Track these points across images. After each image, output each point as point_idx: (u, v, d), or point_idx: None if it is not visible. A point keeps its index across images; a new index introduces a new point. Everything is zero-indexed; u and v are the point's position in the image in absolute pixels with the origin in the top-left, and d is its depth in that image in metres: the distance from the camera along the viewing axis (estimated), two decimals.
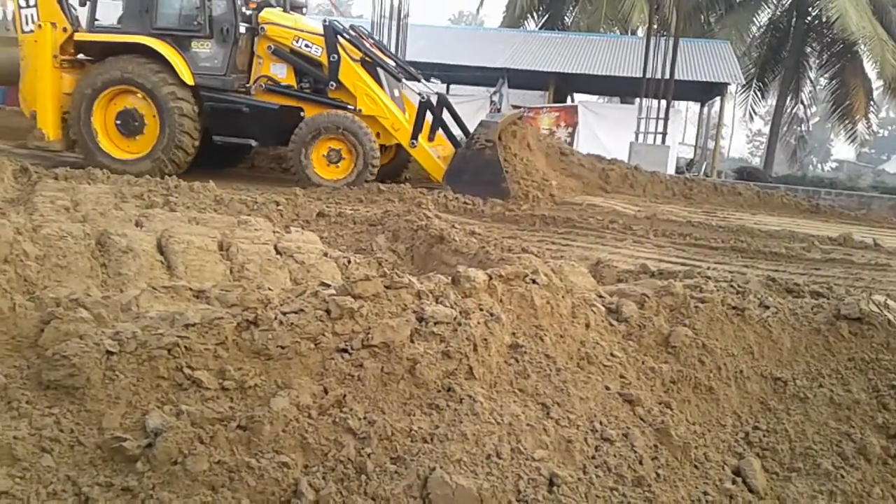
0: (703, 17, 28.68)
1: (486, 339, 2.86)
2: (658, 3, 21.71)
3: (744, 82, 26.65)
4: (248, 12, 11.04)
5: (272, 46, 11.04)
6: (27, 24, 10.69)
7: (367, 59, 11.12)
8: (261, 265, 4.97)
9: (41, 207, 6.18)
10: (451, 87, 23.76)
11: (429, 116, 11.11)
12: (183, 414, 2.44)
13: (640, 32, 26.60)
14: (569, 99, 27.19)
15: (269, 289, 3.78)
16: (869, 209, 15.88)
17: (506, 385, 2.82)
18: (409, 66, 12.09)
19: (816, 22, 27.77)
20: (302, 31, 11.20)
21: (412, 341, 2.78)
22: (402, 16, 19.63)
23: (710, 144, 26.96)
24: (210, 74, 10.77)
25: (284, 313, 2.81)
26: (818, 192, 18.58)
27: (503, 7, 31.75)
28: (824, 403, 3.12)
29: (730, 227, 9.21)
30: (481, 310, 2.97)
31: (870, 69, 26.84)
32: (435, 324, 2.83)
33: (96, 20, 11.09)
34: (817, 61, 29.43)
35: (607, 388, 2.95)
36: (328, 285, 3.15)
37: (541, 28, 30.70)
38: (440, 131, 11.31)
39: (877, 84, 27.99)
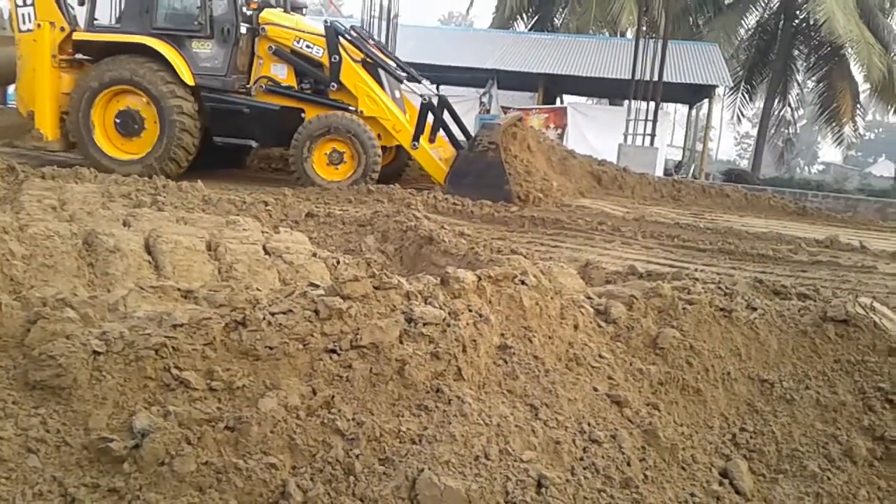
0: (691, 19, 28.82)
1: (474, 341, 2.86)
2: (647, 6, 21.80)
3: (732, 85, 26.83)
4: (249, 12, 10.98)
5: (273, 47, 10.99)
6: (24, 22, 10.58)
7: (368, 60, 11.10)
8: (249, 265, 4.95)
9: (28, 206, 6.14)
10: (441, 87, 23.68)
11: (429, 118, 11.09)
12: (170, 415, 2.43)
13: (630, 34, 26.69)
14: (558, 100, 27.26)
15: (258, 289, 3.77)
16: (855, 212, 16.00)
17: (494, 386, 2.82)
18: (410, 67, 12.06)
19: (804, 25, 27.96)
20: (303, 31, 11.16)
21: (401, 342, 2.78)
22: (391, 16, 19.65)
23: (699, 146, 27.09)
24: (210, 75, 10.72)
25: (273, 314, 2.80)
26: (805, 194, 18.69)
27: (493, 8, 31.85)
28: (811, 405, 3.14)
29: (717, 229, 9.25)
30: (470, 311, 2.97)
31: (857, 72, 27.09)
32: (424, 325, 2.83)
33: (95, 19, 11.02)
34: (805, 64, 29.62)
35: (595, 390, 2.96)
36: (317, 286, 3.14)
37: (530, 29, 30.78)
38: (441, 133, 11.29)
39: (863, 87, 28.29)
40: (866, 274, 7.22)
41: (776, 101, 29.42)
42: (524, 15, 31.04)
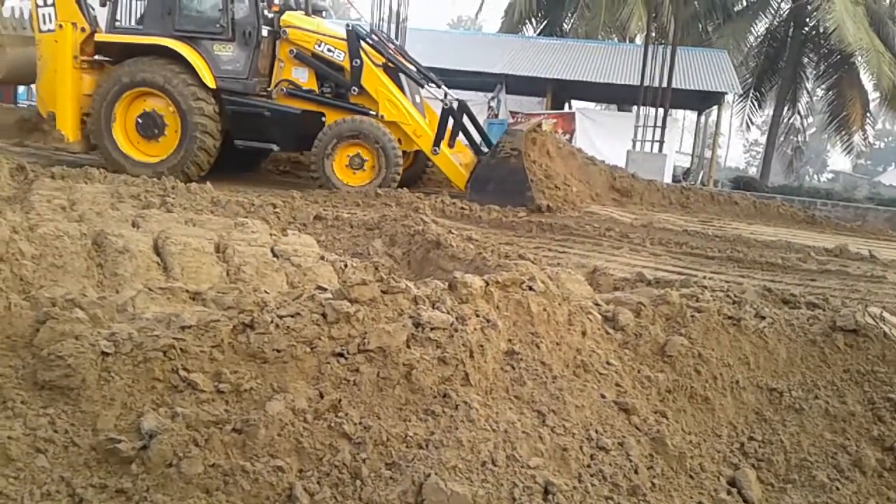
0: (700, 25, 28.78)
1: (482, 346, 2.85)
2: (656, 12, 21.79)
3: (741, 92, 26.78)
4: (271, 15, 10.99)
5: (294, 50, 10.98)
6: (45, 23, 10.58)
7: (389, 64, 11.09)
8: (257, 268, 4.96)
9: (38, 206, 6.16)
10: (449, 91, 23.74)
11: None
12: (178, 416, 2.43)
13: (639, 40, 26.68)
14: (566, 105, 27.21)
15: (266, 292, 3.76)
16: (865, 220, 15.94)
17: (501, 392, 2.82)
18: (430, 72, 12.06)
19: (814, 33, 27.89)
20: (324, 35, 11.15)
21: (408, 346, 2.78)
22: (400, 20, 19.66)
23: (707, 153, 27.04)
24: (232, 77, 10.73)
25: (281, 317, 2.80)
26: (814, 202, 18.64)
27: (502, 12, 31.87)
28: (820, 415, 3.13)
29: (726, 237, 9.22)
30: (478, 316, 2.97)
31: (867, 80, 27.02)
32: (431, 329, 2.83)
33: (117, 21, 11.05)
34: (814, 72, 29.54)
35: (603, 397, 2.95)
36: (325, 289, 3.13)
37: (539, 34, 30.77)
38: (460, 138, 11.29)
39: (873, 95, 28.18)
40: (876, 283, 7.19)
41: (785, 108, 29.35)
42: (533, 20, 31.03)
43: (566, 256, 7.34)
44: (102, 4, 10.92)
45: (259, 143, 11.14)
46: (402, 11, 19.66)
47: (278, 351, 2.71)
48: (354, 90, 10.93)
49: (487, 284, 3.15)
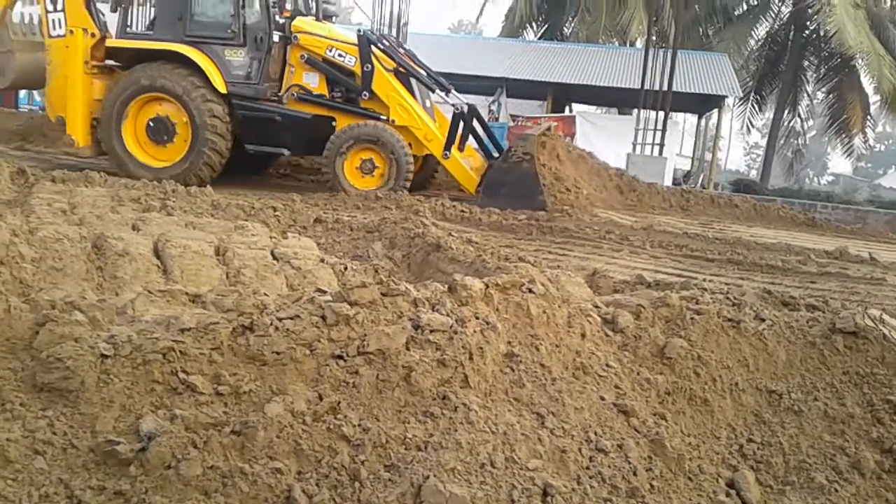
0: (701, 29, 28.78)
1: (481, 348, 2.86)
2: (657, 16, 21.80)
3: (741, 95, 26.75)
4: (282, 21, 10.98)
5: (305, 55, 10.99)
6: (54, 28, 10.57)
7: (400, 69, 11.10)
8: (257, 270, 4.96)
9: (38, 210, 6.17)
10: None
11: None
12: (177, 418, 2.43)
13: (639, 44, 26.70)
14: (567, 109, 27.23)
15: (265, 294, 3.77)
16: (865, 223, 15.90)
17: (501, 394, 2.82)
18: (440, 76, 12.07)
19: (814, 36, 27.90)
20: (335, 40, 11.15)
21: (408, 349, 2.78)
22: (401, 23, 19.68)
23: (708, 156, 27.05)
24: (243, 82, 10.74)
25: (280, 319, 2.80)
26: (814, 205, 18.61)
27: (502, 16, 31.88)
28: (819, 417, 3.13)
29: (726, 240, 9.22)
30: (477, 318, 2.97)
31: (867, 84, 27.01)
32: (431, 332, 2.83)
33: (128, 26, 11.06)
34: (815, 75, 29.54)
35: (602, 399, 2.95)
36: (324, 292, 3.14)
37: (540, 38, 30.76)
38: (470, 142, 11.29)
39: (874, 98, 28.22)
40: (876, 286, 7.20)
41: (786, 111, 29.35)
42: (534, 24, 31.03)
43: (566, 259, 7.35)
44: (113, 10, 10.93)
45: (270, 148, 11.13)
46: (403, 15, 19.70)
47: (278, 353, 2.71)
48: (365, 95, 10.94)
49: (487, 287, 3.15)
